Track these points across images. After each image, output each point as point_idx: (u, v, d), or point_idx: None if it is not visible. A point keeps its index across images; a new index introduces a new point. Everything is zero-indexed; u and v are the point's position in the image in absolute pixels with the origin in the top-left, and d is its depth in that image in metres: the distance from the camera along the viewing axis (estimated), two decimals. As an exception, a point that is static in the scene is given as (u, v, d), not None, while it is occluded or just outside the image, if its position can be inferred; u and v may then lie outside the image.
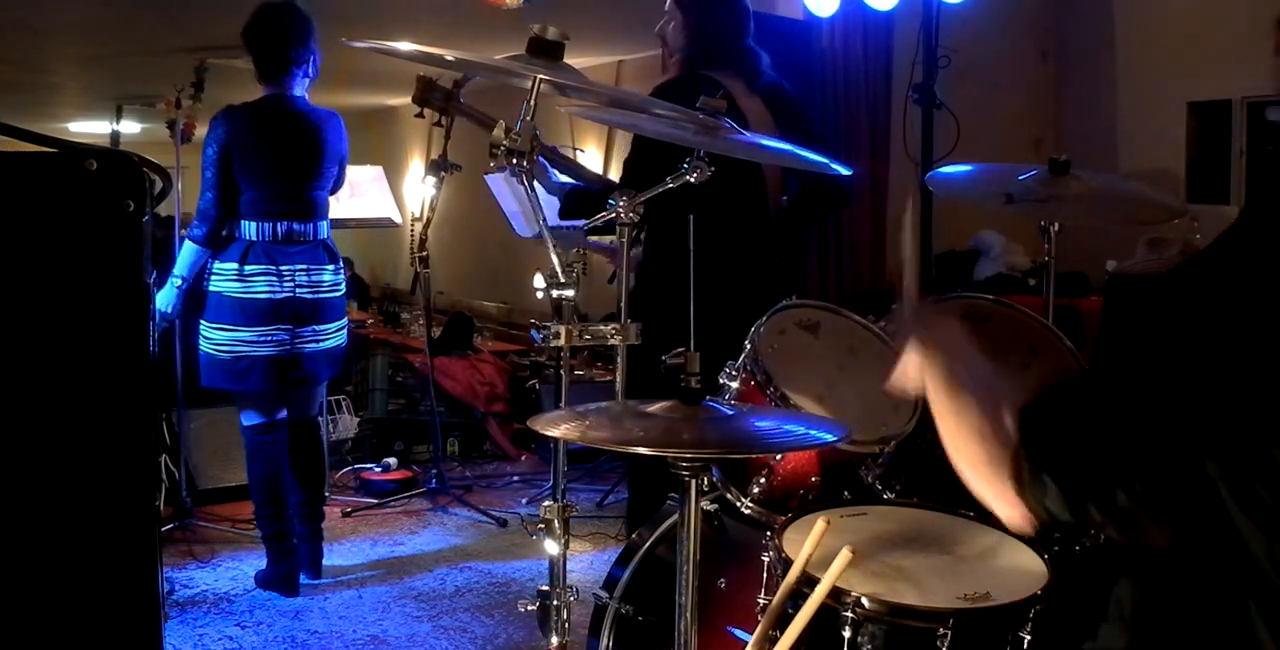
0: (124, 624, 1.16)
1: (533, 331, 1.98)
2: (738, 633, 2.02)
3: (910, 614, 1.65)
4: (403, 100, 10.70)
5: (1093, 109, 5.36)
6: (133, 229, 1.14)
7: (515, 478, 5.47)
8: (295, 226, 3.63)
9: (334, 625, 3.54)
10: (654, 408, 1.67)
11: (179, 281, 3.61)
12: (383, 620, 3.58)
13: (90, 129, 11.04)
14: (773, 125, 3.09)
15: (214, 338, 3.58)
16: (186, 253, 3.61)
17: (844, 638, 1.65)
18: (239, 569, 3.98)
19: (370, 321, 7.87)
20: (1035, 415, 1.15)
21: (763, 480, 2.14)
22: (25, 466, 1.11)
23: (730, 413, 1.70)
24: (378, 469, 5.23)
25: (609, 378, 3.19)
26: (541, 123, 1.91)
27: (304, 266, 3.63)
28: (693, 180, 2.04)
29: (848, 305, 2.52)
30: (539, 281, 1.97)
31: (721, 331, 2.16)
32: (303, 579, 3.80)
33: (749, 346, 2.21)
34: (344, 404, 5.65)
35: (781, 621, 1.71)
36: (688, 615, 1.67)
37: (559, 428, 1.62)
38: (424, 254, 4.55)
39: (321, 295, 3.69)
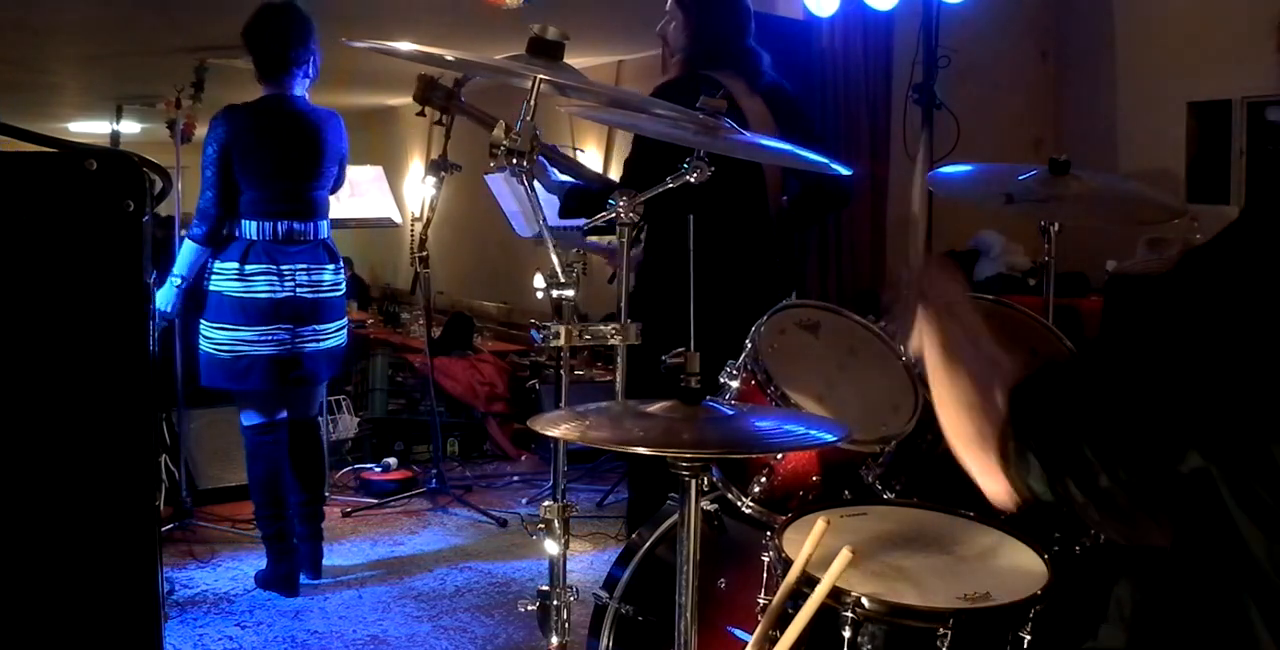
0: (124, 624, 1.16)
1: (533, 331, 1.98)
2: (738, 633, 2.02)
3: (910, 614, 1.65)
4: (403, 100, 10.71)
5: (1093, 109, 5.36)
6: (133, 229, 1.14)
7: (515, 478, 5.47)
8: (296, 226, 3.63)
9: (334, 625, 3.54)
10: (654, 408, 1.67)
11: (178, 281, 3.61)
12: (383, 620, 3.58)
13: (90, 129, 11.04)
14: (773, 125, 3.09)
15: (214, 337, 3.58)
16: (186, 252, 3.61)
17: (844, 638, 1.65)
18: (239, 569, 3.98)
19: (370, 321, 7.87)
20: (1026, 394, 1.16)
21: (763, 480, 2.14)
22: (25, 466, 1.11)
23: (730, 413, 1.71)
24: (378, 469, 5.23)
25: (609, 378, 3.19)
26: (541, 123, 1.91)
27: (304, 266, 3.63)
28: (693, 180, 2.04)
29: (848, 305, 2.53)
30: (539, 281, 1.97)
31: (721, 331, 2.16)
32: (303, 579, 3.80)
33: (749, 346, 2.21)
34: (344, 404, 5.65)
35: (781, 621, 1.71)
36: (688, 615, 1.67)
37: (559, 428, 1.62)
38: (424, 254, 4.55)
39: (322, 295, 3.69)
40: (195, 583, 3.87)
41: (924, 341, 1.34)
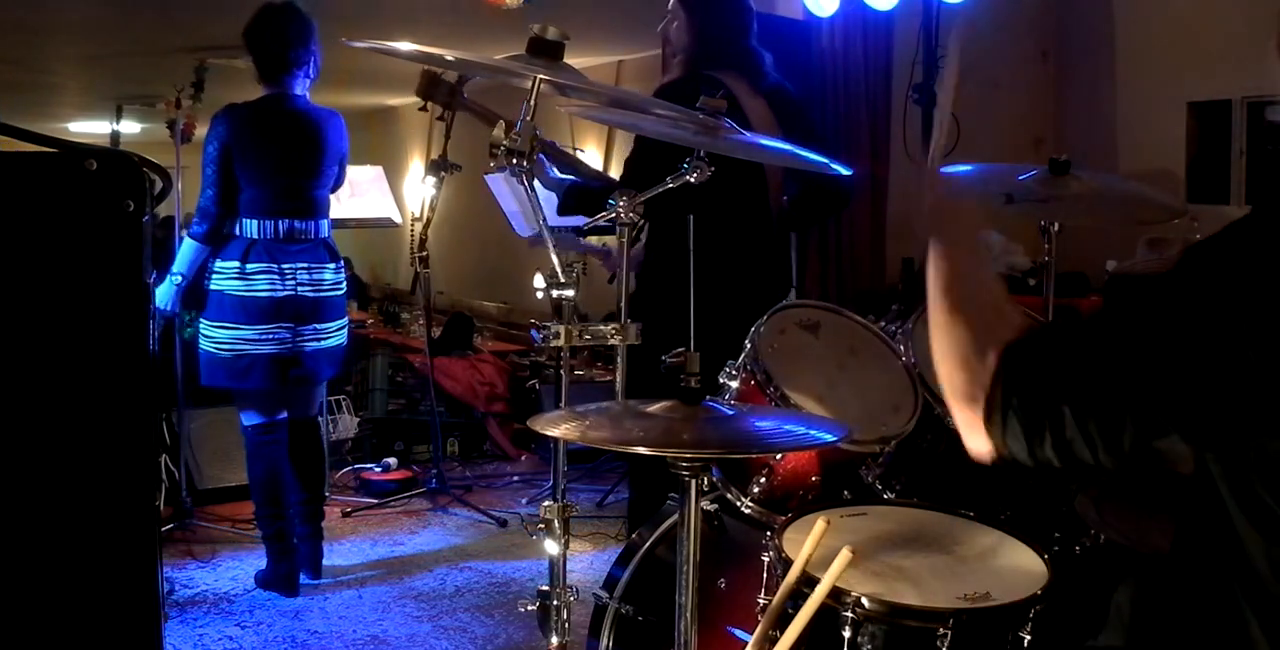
0: (124, 624, 1.16)
1: (533, 331, 1.97)
2: (738, 633, 2.02)
3: (910, 614, 1.65)
4: (403, 100, 10.71)
5: (1093, 109, 5.36)
6: (133, 229, 1.14)
7: (515, 478, 5.47)
8: (296, 225, 3.63)
9: (334, 625, 3.54)
10: (654, 408, 1.67)
11: (178, 279, 3.62)
12: (383, 620, 3.58)
13: (90, 129, 11.04)
14: (776, 126, 3.09)
15: (215, 336, 3.59)
16: (186, 250, 3.62)
17: (844, 638, 1.65)
18: (239, 569, 3.97)
19: (370, 321, 7.87)
20: (1018, 355, 1.16)
21: (763, 480, 2.14)
22: (25, 466, 1.11)
23: (730, 413, 1.71)
24: (378, 469, 5.23)
25: (609, 378, 3.20)
26: (541, 123, 1.91)
27: (305, 265, 3.64)
28: (693, 180, 2.04)
29: (848, 305, 2.53)
30: (539, 281, 1.97)
31: (721, 331, 2.16)
32: (303, 579, 3.80)
33: (749, 346, 2.21)
34: (344, 404, 5.65)
35: (781, 621, 1.71)
36: (688, 615, 1.67)
37: (559, 428, 1.62)
38: (424, 254, 4.55)
39: (323, 294, 3.69)
40: (195, 583, 3.87)
41: (931, 270, 1.33)
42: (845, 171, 2.47)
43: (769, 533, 1.89)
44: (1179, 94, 4.95)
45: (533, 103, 1.90)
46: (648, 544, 2.34)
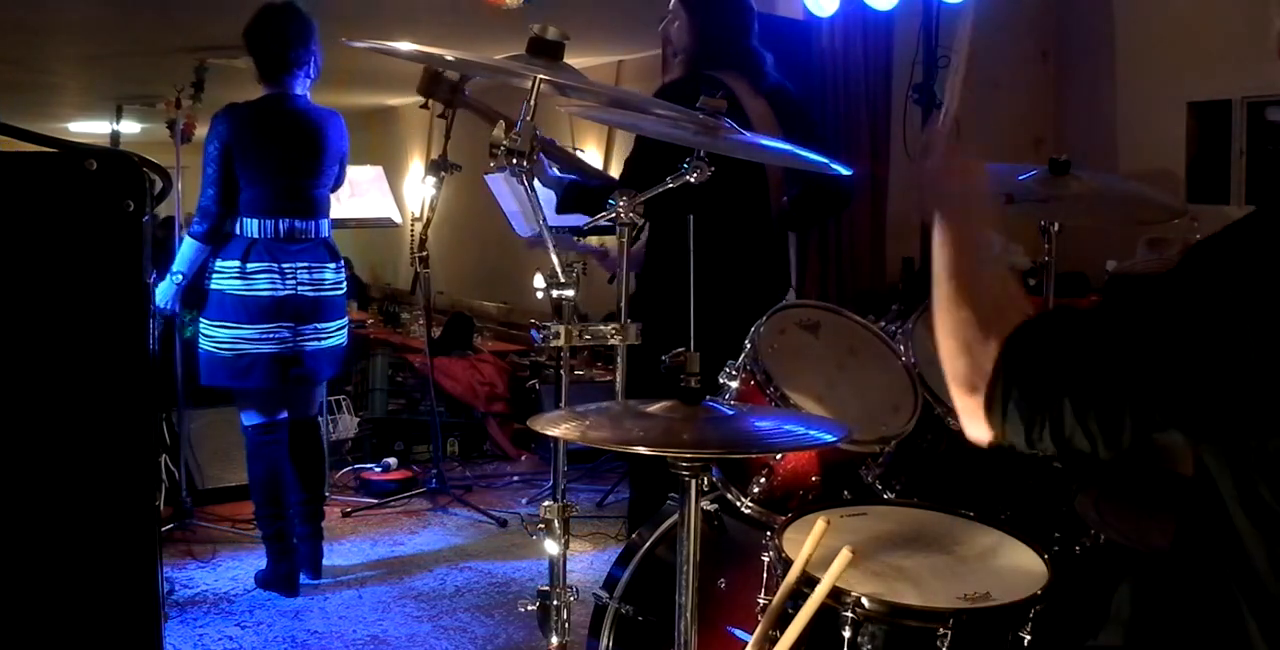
0: (124, 624, 1.16)
1: (533, 331, 1.97)
2: (738, 633, 2.02)
3: (910, 614, 1.65)
4: (403, 100, 10.71)
5: (1093, 109, 5.36)
6: (133, 229, 1.14)
7: (515, 478, 5.47)
8: (297, 224, 3.63)
9: (334, 625, 3.54)
10: (654, 408, 1.67)
11: (179, 278, 3.62)
12: (383, 620, 3.58)
13: (90, 129, 11.04)
14: (777, 126, 3.09)
15: (216, 335, 3.59)
16: (186, 249, 3.62)
17: (844, 638, 1.65)
18: (239, 569, 3.97)
19: (370, 321, 7.87)
20: (1019, 345, 1.17)
21: (763, 480, 2.14)
22: (25, 466, 1.11)
23: (730, 413, 1.71)
24: (378, 469, 5.23)
25: (609, 378, 3.19)
26: (541, 123, 1.91)
27: (305, 264, 3.64)
28: (692, 180, 2.04)
29: (848, 305, 2.53)
30: (539, 281, 1.97)
31: (721, 331, 2.16)
32: (303, 579, 3.80)
33: (749, 346, 2.21)
34: (344, 404, 5.65)
35: (781, 621, 1.71)
36: (688, 615, 1.67)
37: (559, 428, 1.62)
38: (424, 254, 4.55)
39: (323, 293, 3.69)
40: (195, 583, 3.87)
41: (936, 246, 1.33)
42: (845, 171, 2.47)
43: (769, 533, 1.89)
44: (1179, 94, 4.95)
45: (533, 103, 1.90)
46: (648, 544, 2.34)
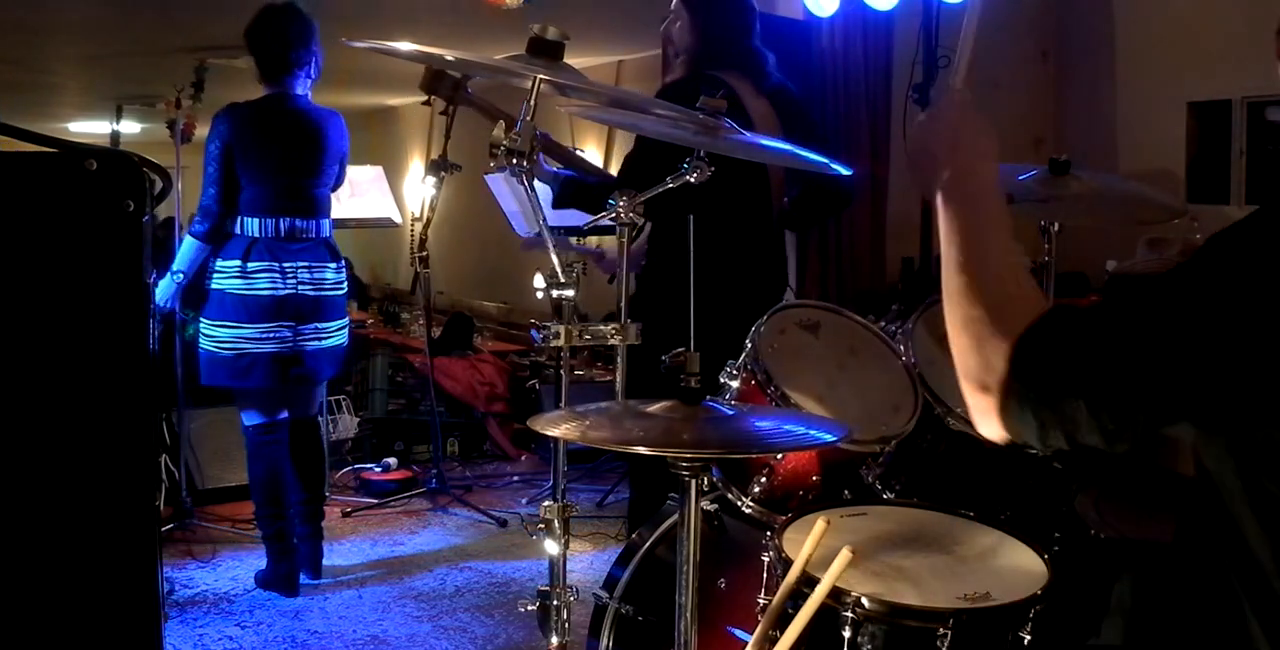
0: (124, 624, 1.16)
1: (533, 331, 1.97)
2: (738, 633, 2.02)
3: (910, 614, 1.65)
4: (403, 100, 10.71)
5: (1093, 109, 5.36)
6: (133, 229, 1.14)
7: (515, 478, 5.47)
8: (298, 223, 3.64)
9: (334, 625, 3.54)
10: (654, 408, 1.67)
11: (179, 276, 3.63)
12: (383, 620, 3.58)
13: (90, 129, 11.04)
14: (778, 127, 3.09)
15: (216, 335, 3.59)
16: (187, 248, 3.63)
17: (844, 638, 1.65)
18: (239, 569, 3.98)
19: (370, 321, 7.87)
20: (1031, 346, 1.15)
21: (763, 480, 2.14)
22: (25, 466, 1.11)
23: (730, 413, 1.70)
24: (378, 469, 5.23)
25: (609, 378, 3.19)
26: (541, 123, 1.91)
27: (306, 264, 3.64)
28: (692, 180, 2.04)
29: (848, 305, 2.53)
30: (539, 281, 1.97)
31: (721, 331, 2.16)
32: (303, 579, 3.80)
33: (749, 346, 2.21)
34: (344, 404, 5.65)
35: (781, 621, 1.71)
36: (688, 615, 1.67)
37: (559, 428, 1.62)
38: (424, 254, 4.55)
39: (324, 292, 3.70)
40: (195, 583, 3.87)
41: (944, 231, 1.29)
42: (846, 172, 2.47)
43: (769, 533, 1.89)
44: (1179, 94, 4.95)
45: (533, 103, 1.90)
46: (648, 544, 2.34)
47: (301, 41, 3.62)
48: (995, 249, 1.26)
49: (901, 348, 2.34)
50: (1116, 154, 5.23)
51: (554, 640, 2.00)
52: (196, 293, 3.68)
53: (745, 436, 1.69)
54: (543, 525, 1.98)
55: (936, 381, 2.26)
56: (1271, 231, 1.07)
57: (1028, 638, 1.66)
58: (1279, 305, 1.02)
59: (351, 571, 4.03)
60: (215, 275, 3.59)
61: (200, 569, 4.00)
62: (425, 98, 3.37)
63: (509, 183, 4.68)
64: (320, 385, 3.98)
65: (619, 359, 2.05)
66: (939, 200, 1.31)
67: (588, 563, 4.08)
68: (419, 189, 4.35)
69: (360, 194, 5.19)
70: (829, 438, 1.65)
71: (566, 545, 2.00)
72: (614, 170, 3.56)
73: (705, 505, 2.18)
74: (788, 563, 1.74)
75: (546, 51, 1.94)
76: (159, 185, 1.22)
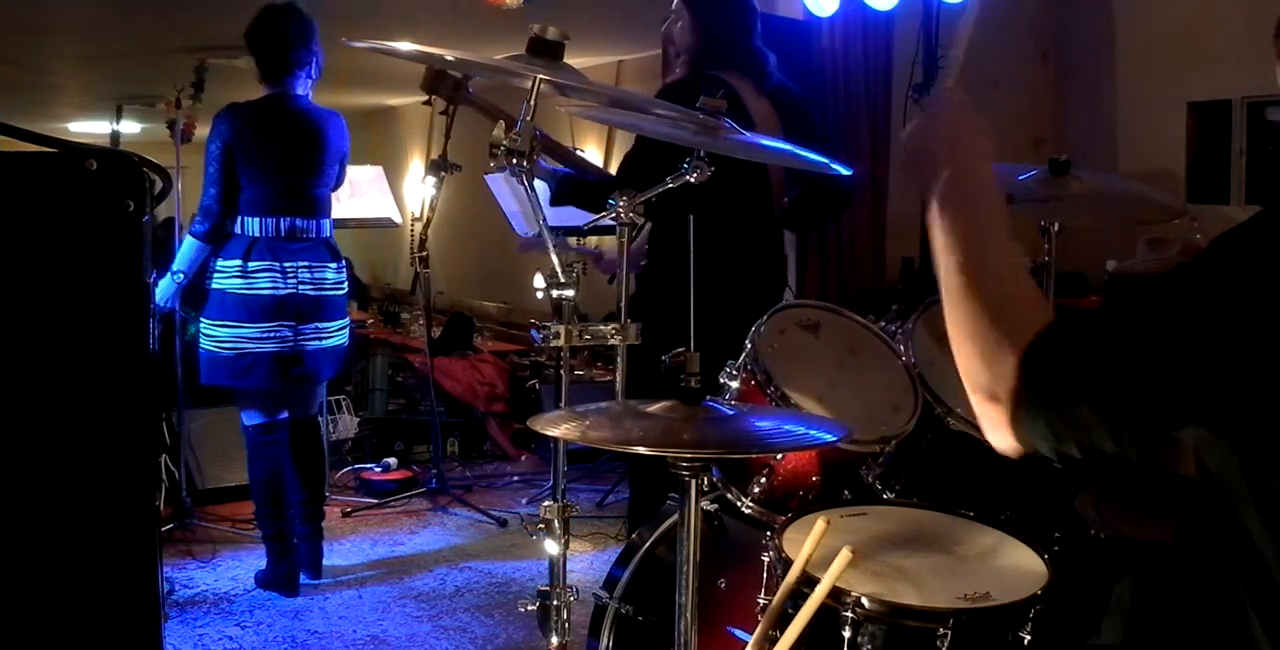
0: (124, 624, 1.16)
1: (533, 331, 1.97)
2: (738, 633, 2.02)
3: (910, 614, 1.65)
4: (403, 100, 10.71)
5: (1093, 109, 5.36)
6: (133, 229, 1.14)
7: (515, 478, 5.47)
8: (298, 223, 3.64)
9: (334, 625, 3.54)
10: (654, 408, 1.67)
11: (179, 276, 3.63)
12: (383, 620, 3.58)
13: (90, 129, 11.04)
14: (779, 127, 3.09)
15: (216, 335, 3.59)
16: (187, 248, 3.63)
17: (844, 638, 1.65)
18: (239, 569, 3.98)
19: (370, 321, 7.87)
20: (1039, 356, 1.14)
21: (763, 480, 2.14)
22: (25, 466, 1.11)
23: (730, 413, 1.70)
24: (378, 469, 5.23)
25: (609, 378, 3.19)
26: (541, 123, 1.91)
27: (306, 263, 3.64)
28: (692, 180, 2.04)
29: (848, 305, 2.52)
30: (539, 281, 1.97)
31: (721, 331, 2.16)
32: (303, 579, 3.80)
33: (749, 346, 2.21)
34: (344, 404, 5.65)
35: (781, 621, 1.71)
36: (688, 615, 1.67)
37: (559, 428, 1.62)
38: (424, 254, 4.55)
39: (324, 292, 3.70)
40: (195, 583, 3.87)
41: (938, 234, 1.27)
42: (846, 172, 2.47)
43: (769, 533, 1.89)
44: (1179, 94, 4.95)
45: (533, 103, 1.90)
46: (648, 544, 2.34)
47: (302, 42, 3.62)
48: (995, 249, 1.24)
49: (901, 348, 2.34)
50: (1116, 154, 5.23)
51: (554, 640, 2.00)
52: (197, 292, 3.69)
53: (745, 436, 1.69)
54: (543, 525, 1.98)
55: (936, 381, 2.26)
56: (1276, 232, 1.07)
57: (1028, 638, 1.66)
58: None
59: (351, 571, 4.03)
60: (216, 275, 3.59)
61: (200, 569, 4.00)
62: (426, 98, 3.37)
63: (509, 183, 4.69)
64: (320, 385, 3.98)
65: (619, 359, 2.05)
66: (937, 200, 1.30)
67: (588, 563, 4.08)
68: (419, 189, 4.35)
69: (360, 194, 5.19)
70: (829, 438, 1.65)
71: (566, 545, 2.00)
72: (614, 170, 3.56)
73: (705, 505, 2.18)
74: (788, 563, 1.74)
75: (546, 51, 1.94)
76: (159, 185, 1.22)
